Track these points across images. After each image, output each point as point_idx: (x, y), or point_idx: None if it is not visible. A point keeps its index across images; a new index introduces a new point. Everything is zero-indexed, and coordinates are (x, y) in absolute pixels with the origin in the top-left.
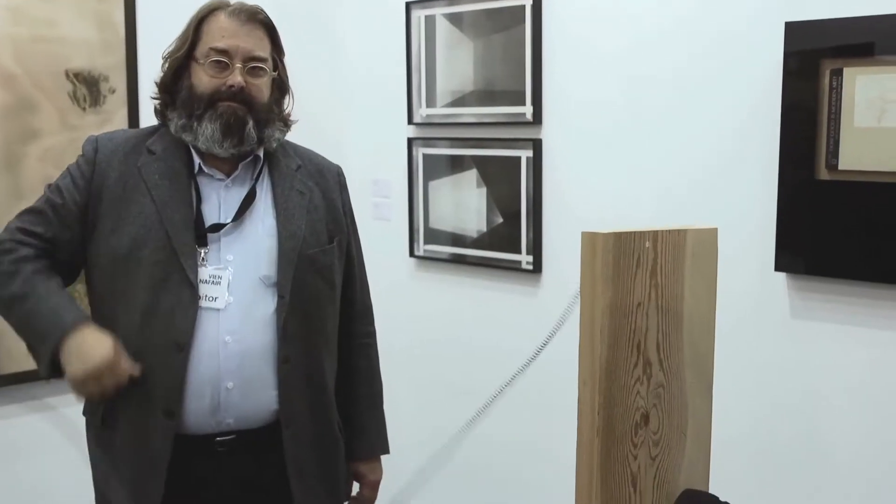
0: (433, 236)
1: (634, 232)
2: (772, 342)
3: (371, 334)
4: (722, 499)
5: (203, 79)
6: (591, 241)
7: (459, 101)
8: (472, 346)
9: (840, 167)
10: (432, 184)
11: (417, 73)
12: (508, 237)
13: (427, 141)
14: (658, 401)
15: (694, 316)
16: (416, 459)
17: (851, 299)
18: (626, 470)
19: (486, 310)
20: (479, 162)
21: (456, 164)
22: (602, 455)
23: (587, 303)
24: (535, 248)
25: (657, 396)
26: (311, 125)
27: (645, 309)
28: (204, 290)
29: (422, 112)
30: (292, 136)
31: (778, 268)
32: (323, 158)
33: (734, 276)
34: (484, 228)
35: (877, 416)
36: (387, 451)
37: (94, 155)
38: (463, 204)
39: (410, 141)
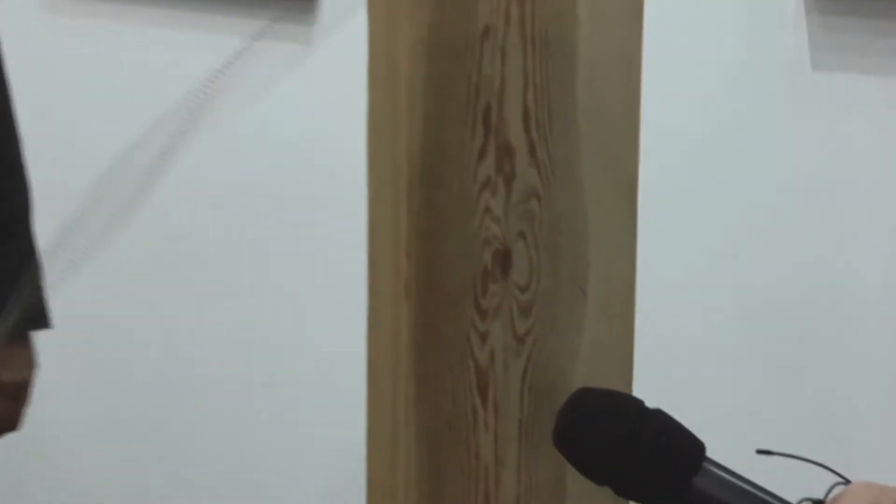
0: None
1: None
2: (769, 108)
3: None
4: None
5: None
6: None
7: None
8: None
9: None
10: None
11: None
12: None
13: None
14: (529, 225)
15: (598, 55)
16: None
17: None
18: (465, 361)
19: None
20: None
21: None
22: (416, 335)
23: (379, 33)
24: None
25: (526, 216)
26: None
27: (499, 42)
28: None
29: None
30: None
31: None
32: None
33: None
34: None
35: None
36: (45, 325)
37: None
38: None
39: None
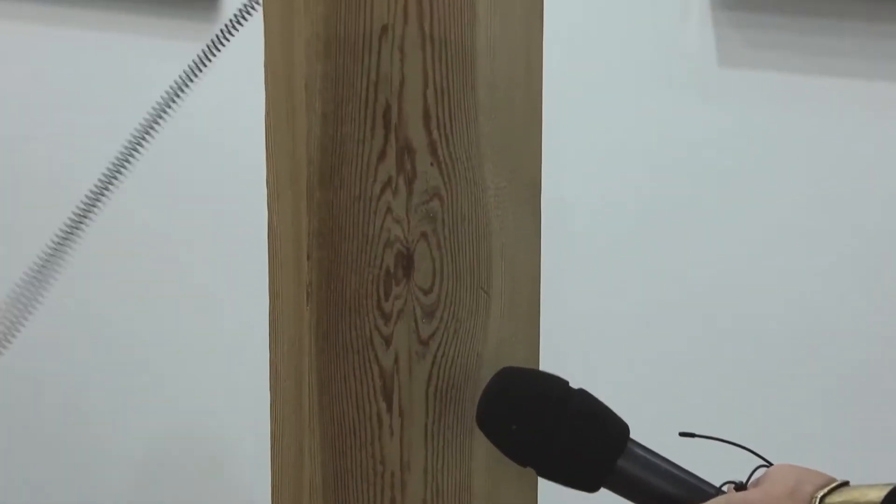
0: None
1: None
2: (675, 104)
3: None
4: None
5: None
6: None
7: None
8: (85, 135)
9: None
10: None
11: None
12: None
13: None
14: (432, 227)
15: (499, 52)
16: None
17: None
18: (367, 367)
19: (110, 69)
20: None
21: None
22: (319, 339)
23: (274, 32)
24: None
25: (429, 217)
26: None
27: (397, 39)
28: None
29: None
30: None
31: None
32: None
33: None
34: None
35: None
36: None
37: None
38: None
39: None
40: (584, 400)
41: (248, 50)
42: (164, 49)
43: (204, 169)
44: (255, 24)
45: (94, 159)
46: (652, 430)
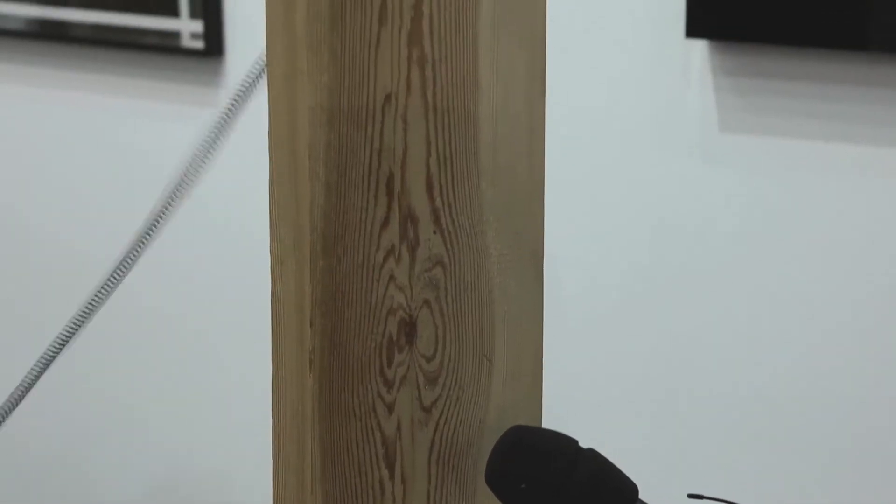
0: None
1: None
2: (676, 170)
3: None
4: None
5: None
6: None
7: None
8: (90, 201)
9: None
10: None
11: None
12: None
13: None
14: (434, 294)
15: (501, 120)
16: None
17: (825, 88)
18: (370, 435)
19: (116, 133)
20: None
21: None
22: (321, 406)
23: (279, 100)
24: (209, 8)
25: (431, 285)
26: None
27: (400, 109)
28: None
29: None
30: None
31: (691, 32)
32: None
33: (601, 47)
34: None
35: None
36: None
37: None
38: None
39: None
40: (594, 459)
41: (252, 117)
42: (169, 113)
43: (207, 236)
44: (259, 93)
45: (91, 224)
46: (658, 493)
